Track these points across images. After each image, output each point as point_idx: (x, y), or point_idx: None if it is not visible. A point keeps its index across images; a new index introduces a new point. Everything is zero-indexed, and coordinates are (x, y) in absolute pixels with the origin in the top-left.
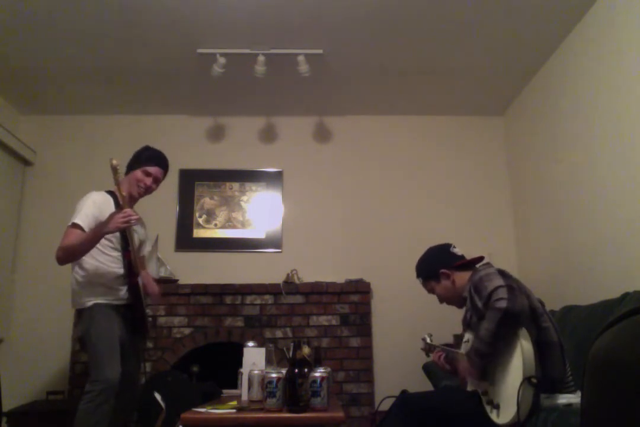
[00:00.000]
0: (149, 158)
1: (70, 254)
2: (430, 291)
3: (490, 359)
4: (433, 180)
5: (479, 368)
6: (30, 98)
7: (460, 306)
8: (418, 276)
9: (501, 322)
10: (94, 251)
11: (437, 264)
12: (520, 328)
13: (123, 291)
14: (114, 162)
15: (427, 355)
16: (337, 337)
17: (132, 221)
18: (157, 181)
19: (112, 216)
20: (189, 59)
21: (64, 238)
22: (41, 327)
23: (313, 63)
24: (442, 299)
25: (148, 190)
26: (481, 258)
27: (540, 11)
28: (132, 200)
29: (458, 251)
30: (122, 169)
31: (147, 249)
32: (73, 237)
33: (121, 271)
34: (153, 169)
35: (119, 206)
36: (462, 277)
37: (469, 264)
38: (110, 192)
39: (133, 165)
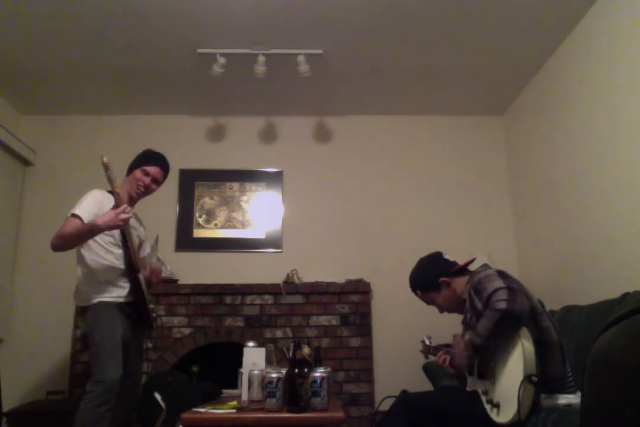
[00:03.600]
0: (149, 158)
1: (63, 243)
2: (431, 302)
3: (483, 353)
4: (433, 180)
5: (469, 359)
6: (30, 98)
7: (461, 311)
8: (415, 289)
9: (499, 322)
10: (95, 248)
11: (435, 274)
12: (521, 328)
13: (126, 288)
14: (105, 159)
15: (426, 357)
16: (337, 337)
17: (122, 216)
18: (156, 181)
19: (108, 213)
20: (189, 59)
21: (62, 226)
22: (41, 327)
23: (313, 63)
24: (442, 309)
25: (147, 190)
26: (473, 260)
27: (540, 11)
28: (132, 201)
29: (450, 257)
30: (114, 167)
31: (147, 251)
32: (70, 226)
33: (122, 266)
34: (152, 169)
35: (116, 204)
36: (460, 283)
37: (464, 268)
38: (111, 192)
39: (133, 166)
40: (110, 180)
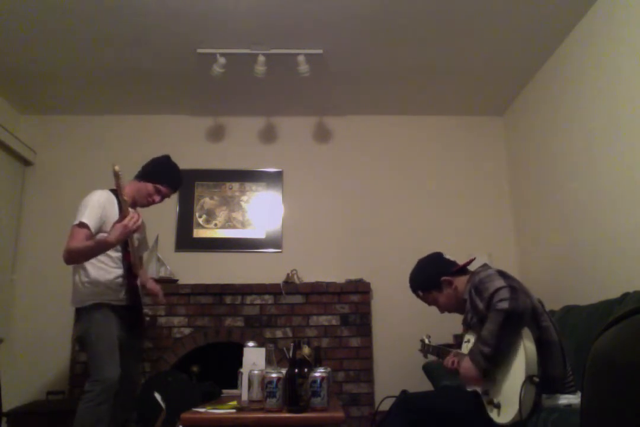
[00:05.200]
0: (165, 177)
1: (77, 258)
2: (432, 302)
3: (496, 360)
4: (433, 180)
5: (482, 368)
6: (30, 98)
7: (462, 311)
8: (416, 289)
9: (504, 323)
10: None
11: (436, 273)
12: (523, 327)
13: (122, 292)
14: (117, 167)
15: (425, 356)
16: (337, 337)
17: (136, 225)
18: (164, 198)
19: (115, 226)
20: (189, 59)
21: (71, 239)
22: (41, 327)
23: (313, 63)
24: (443, 309)
25: (153, 204)
26: (473, 260)
27: (540, 11)
28: (134, 205)
29: (450, 257)
30: (125, 175)
31: (144, 250)
32: (80, 238)
33: (121, 271)
34: (165, 189)
35: (121, 211)
36: (461, 282)
37: (465, 268)
38: (114, 191)
39: (149, 174)
40: (119, 187)
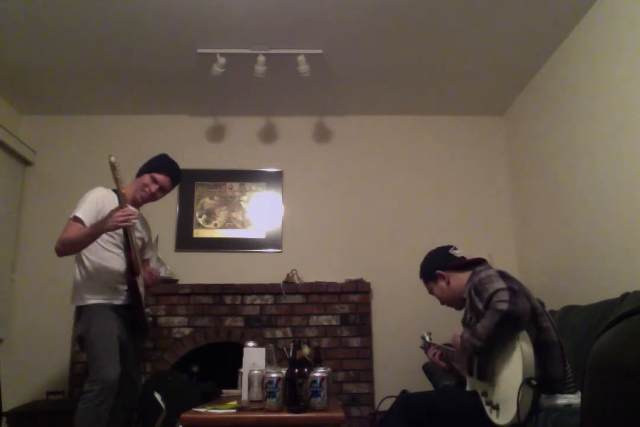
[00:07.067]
0: (160, 166)
1: (68, 247)
2: (430, 291)
3: (484, 356)
4: (433, 180)
5: (467, 357)
6: (30, 98)
7: (459, 308)
8: (419, 276)
9: (500, 323)
10: (95, 248)
11: (433, 266)
12: (521, 330)
13: (123, 291)
14: (112, 159)
15: (426, 353)
16: (337, 337)
17: (132, 220)
18: (163, 190)
19: (111, 213)
20: (189, 59)
21: (64, 231)
22: (41, 327)
23: (313, 63)
24: (441, 301)
25: (152, 197)
26: (479, 259)
27: (540, 11)
28: (136, 203)
29: (458, 252)
30: (121, 167)
31: (149, 254)
32: (73, 230)
33: (122, 268)
34: (161, 177)
35: (120, 204)
36: (458, 279)
37: (467, 265)
38: (116, 191)
39: (145, 169)
40: (117, 180)
